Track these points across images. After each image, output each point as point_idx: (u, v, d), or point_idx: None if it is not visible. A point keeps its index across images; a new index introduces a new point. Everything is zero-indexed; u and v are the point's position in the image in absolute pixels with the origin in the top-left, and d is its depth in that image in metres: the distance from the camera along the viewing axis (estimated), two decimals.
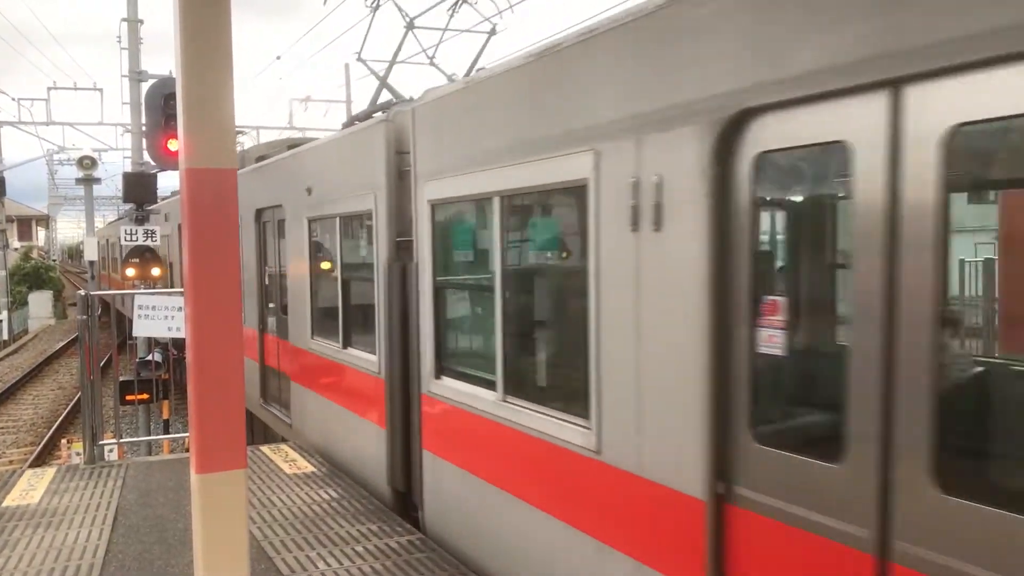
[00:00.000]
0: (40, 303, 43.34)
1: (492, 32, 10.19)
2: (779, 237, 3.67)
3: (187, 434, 4.27)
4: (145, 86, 15.14)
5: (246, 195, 9.39)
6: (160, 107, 10.96)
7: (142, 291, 10.87)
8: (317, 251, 8.87)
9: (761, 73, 3.26)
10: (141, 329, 9.11)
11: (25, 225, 73.62)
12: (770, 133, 3.32)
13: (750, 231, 3.44)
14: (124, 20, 17.10)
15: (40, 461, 15.67)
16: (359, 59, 10.74)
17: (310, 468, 8.23)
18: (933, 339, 2.78)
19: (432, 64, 10.76)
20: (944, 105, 2.71)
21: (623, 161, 4.03)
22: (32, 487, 7.74)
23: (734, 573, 3.54)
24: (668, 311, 3.81)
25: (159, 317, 8.95)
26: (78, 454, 12.07)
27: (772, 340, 3.39)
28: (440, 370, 6.10)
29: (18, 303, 41.60)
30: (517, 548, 5.11)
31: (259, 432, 11.15)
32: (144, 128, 13.58)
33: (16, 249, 57.11)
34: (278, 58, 25.91)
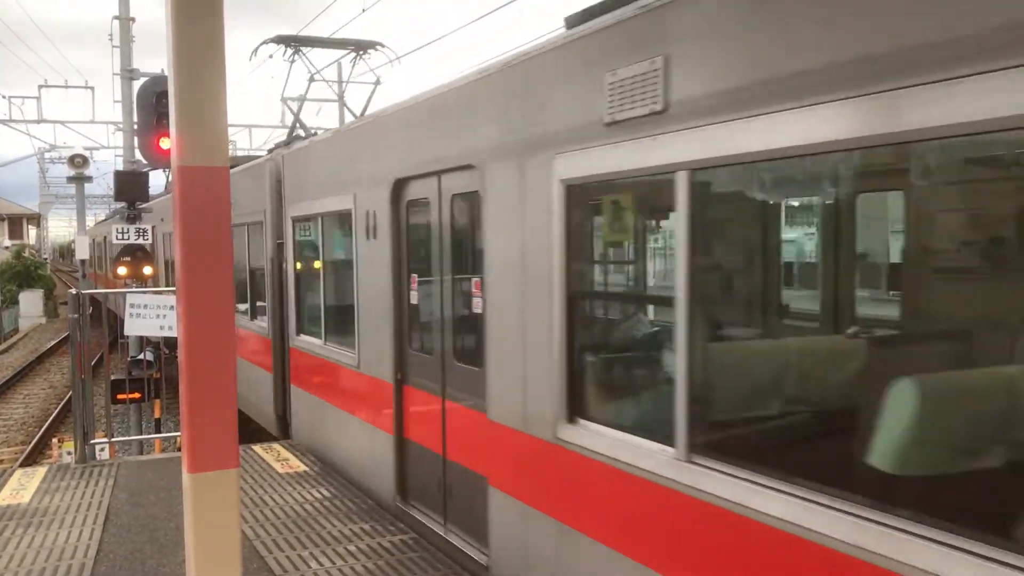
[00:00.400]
0: (31, 302, 43.13)
1: (377, 83, 13.25)
2: (416, 243, 6.62)
3: (179, 433, 4.27)
4: (137, 84, 15.09)
5: None
6: (152, 105, 10.93)
7: (134, 290, 10.84)
8: (234, 250, 11.98)
9: (406, 162, 6.43)
10: (133, 328, 9.09)
11: (16, 224, 73.31)
12: (411, 191, 6.49)
13: (407, 239, 6.64)
14: (116, 18, 17.03)
15: (31, 460, 15.61)
16: (282, 99, 13.36)
17: (302, 467, 8.22)
18: (452, 294, 5.95)
19: (342, 103, 13.84)
20: (450, 184, 5.86)
21: (363, 200, 7.19)
22: (23, 486, 7.71)
23: (404, 418, 6.73)
24: (379, 284, 6.92)
25: (151, 316, 8.94)
26: (69, 453, 12.03)
27: (416, 294, 6.56)
28: (299, 330, 9.15)
29: (8, 302, 41.42)
30: (333, 436, 8.23)
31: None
32: (136, 126, 13.53)
33: (7, 248, 56.88)
34: (271, 56, 25.74)
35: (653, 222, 4.50)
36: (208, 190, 3.10)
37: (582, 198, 4.45)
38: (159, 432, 14.71)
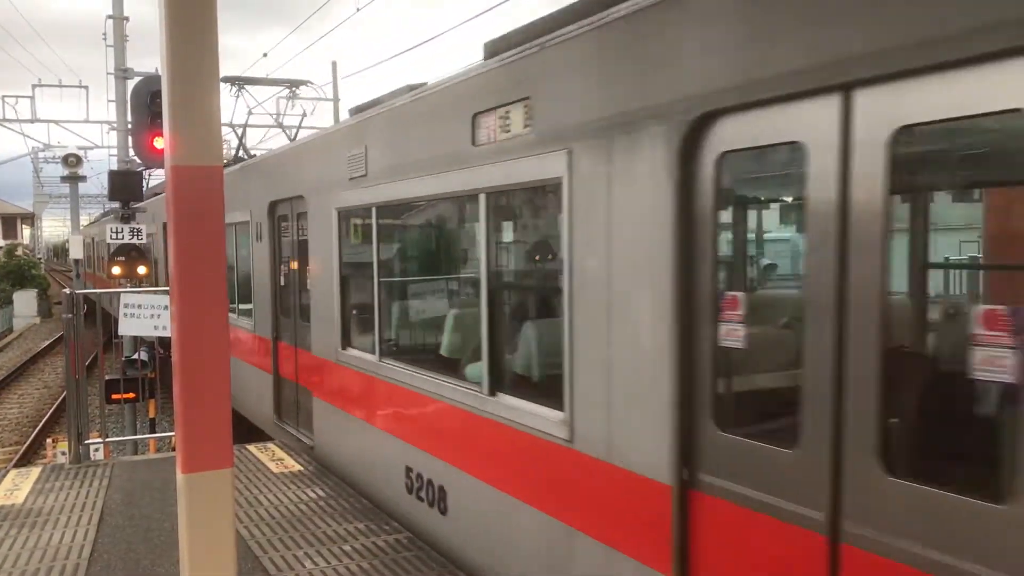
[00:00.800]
0: (25, 301, 42.99)
1: (304, 115, 16.96)
2: (284, 244, 9.38)
3: (173, 433, 4.27)
4: (131, 83, 15.06)
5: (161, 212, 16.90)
6: (146, 105, 10.92)
7: (128, 290, 10.82)
8: None
9: (276, 190, 9.32)
10: (127, 328, 9.06)
11: (10, 223, 73.17)
12: (279, 210, 9.39)
13: (278, 242, 9.52)
14: (110, 17, 16.98)
15: (25, 461, 15.58)
16: (229, 124, 16.63)
17: (297, 467, 8.21)
18: (300, 278, 8.94)
19: (281, 128, 17.05)
20: (296, 206, 8.91)
21: (255, 215, 10.00)
22: (17, 487, 7.69)
23: (278, 362, 9.61)
24: (264, 272, 9.74)
25: (145, 316, 8.91)
26: (63, 453, 12.00)
27: (283, 279, 9.48)
28: None
29: (2, 302, 41.27)
30: (242, 383, 10.69)
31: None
32: (130, 126, 13.51)
33: (0, 247, 56.67)
34: (265, 55, 25.68)
35: (386, 233, 7.20)
36: (202, 189, 3.10)
37: (345, 218, 7.52)
38: (154, 432, 14.70)
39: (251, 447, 9.07)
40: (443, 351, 6.21)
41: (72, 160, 21.33)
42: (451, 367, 5.90)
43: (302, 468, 8.17)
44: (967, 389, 2.97)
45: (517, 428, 4.80)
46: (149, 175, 24.74)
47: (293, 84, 16.06)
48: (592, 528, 4.22)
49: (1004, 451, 2.53)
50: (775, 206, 3.50)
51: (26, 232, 79.75)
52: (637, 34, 3.82)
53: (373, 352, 6.87)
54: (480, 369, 5.22)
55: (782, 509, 3.22)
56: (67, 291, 8.98)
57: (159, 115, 10.12)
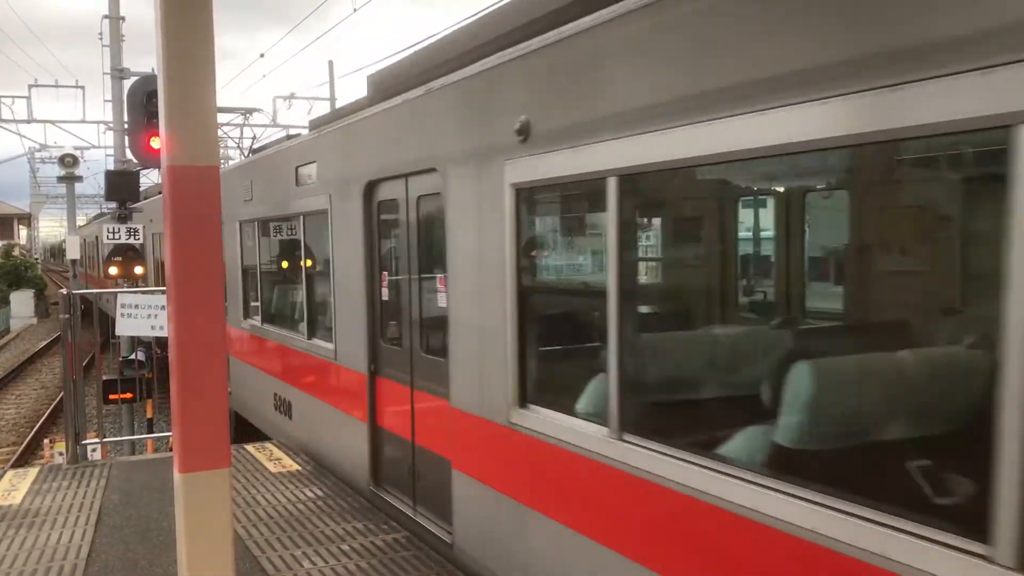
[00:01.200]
0: (22, 302, 42.90)
1: (255, 139, 19.84)
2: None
3: (171, 433, 4.27)
4: (127, 83, 15.05)
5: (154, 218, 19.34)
6: (142, 105, 10.92)
7: (125, 290, 10.82)
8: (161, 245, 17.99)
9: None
10: (124, 328, 9.06)
11: (7, 223, 73.01)
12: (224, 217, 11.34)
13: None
14: (106, 17, 16.96)
15: (22, 461, 15.56)
16: None
17: (295, 467, 8.21)
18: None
19: (239, 148, 20.83)
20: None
21: None
22: (14, 487, 7.68)
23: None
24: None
25: (142, 316, 8.91)
26: (61, 454, 11.98)
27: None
28: None
29: None
30: None
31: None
32: (127, 126, 13.51)
33: None
34: (262, 55, 25.65)
35: (263, 240, 9.96)
36: (198, 189, 3.10)
37: (246, 229, 10.21)
38: (151, 432, 14.69)
39: (249, 447, 9.07)
40: (297, 316, 8.93)
41: (68, 160, 21.34)
42: (298, 326, 8.77)
43: (300, 467, 8.17)
44: (441, 313, 5.60)
45: (317, 356, 8.02)
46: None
47: (247, 111, 20.34)
48: (343, 406, 7.44)
49: (446, 340, 5.46)
50: (399, 228, 6.41)
51: (23, 232, 79.60)
52: (345, 136, 7.12)
53: (259, 320, 9.98)
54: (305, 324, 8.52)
55: (400, 376, 6.43)
56: (64, 291, 8.98)
57: (156, 115, 10.21)
